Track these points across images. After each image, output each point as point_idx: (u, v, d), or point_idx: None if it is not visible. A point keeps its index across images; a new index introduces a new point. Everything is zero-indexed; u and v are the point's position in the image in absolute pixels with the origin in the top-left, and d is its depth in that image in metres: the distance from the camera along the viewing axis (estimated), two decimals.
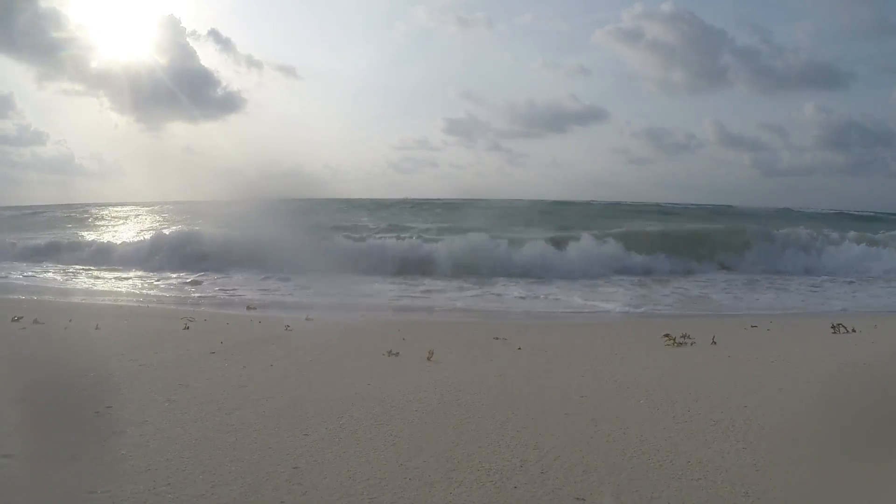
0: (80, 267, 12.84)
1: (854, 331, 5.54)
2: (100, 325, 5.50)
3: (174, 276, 11.51)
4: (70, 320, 5.71)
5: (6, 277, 11.06)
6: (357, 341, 5.33)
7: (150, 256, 13.23)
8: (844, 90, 67.68)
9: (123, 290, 9.98)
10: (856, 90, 65.73)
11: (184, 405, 3.18)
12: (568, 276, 11.52)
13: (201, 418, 2.99)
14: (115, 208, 32.80)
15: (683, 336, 5.10)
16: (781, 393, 3.57)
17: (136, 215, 28.45)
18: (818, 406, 3.40)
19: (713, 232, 15.32)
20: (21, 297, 8.49)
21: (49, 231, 19.84)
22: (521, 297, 9.29)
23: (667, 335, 5.14)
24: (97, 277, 11.46)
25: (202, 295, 9.31)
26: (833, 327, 5.62)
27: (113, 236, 18.34)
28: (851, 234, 15.44)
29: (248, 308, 7.65)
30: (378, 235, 14.98)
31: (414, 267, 12.34)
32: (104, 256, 13.85)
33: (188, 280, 10.98)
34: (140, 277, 11.37)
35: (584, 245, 13.18)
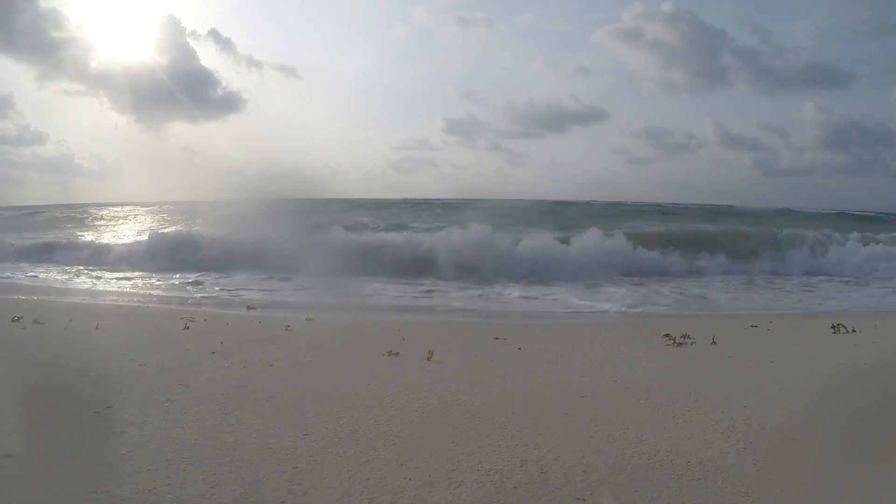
0: (80, 267, 12.85)
1: (854, 331, 5.54)
2: (100, 325, 5.51)
3: (174, 276, 11.51)
4: (70, 320, 5.71)
5: (6, 277, 11.06)
6: (357, 341, 5.33)
7: (150, 256, 13.25)
8: (844, 90, 67.68)
9: (123, 290, 9.99)
10: (856, 90, 65.73)
11: (184, 405, 3.18)
12: (569, 277, 11.49)
13: (201, 418, 2.99)
14: (115, 208, 32.78)
15: (683, 336, 5.10)
16: (781, 393, 3.57)
17: (136, 215, 28.43)
18: (818, 406, 3.40)
19: (718, 233, 15.24)
20: (21, 297, 8.48)
21: (48, 231, 19.83)
22: (522, 297, 9.29)
23: (667, 335, 5.14)
24: (97, 277, 11.46)
25: (202, 295, 9.32)
26: (833, 327, 5.62)
27: (113, 236, 18.36)
28: (855, 234, 15.41)
29: (249, 308, 7.65)
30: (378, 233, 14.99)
31: (414, 264, 12.32)
32: (104, 256, 13.87)
33: (188, 280, 10.98)
34: (140, 277, 11.37)
35: (587, 246, 13.12)
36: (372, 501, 2.16)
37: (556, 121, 74.38)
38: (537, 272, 11.75)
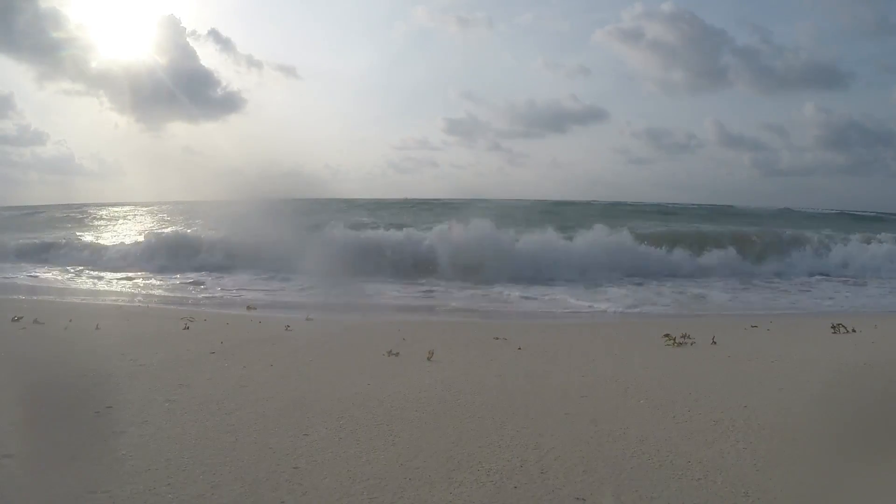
0: (80, 267, 12.85)
1: (854, 331, 5.54)
2: (100, 326, 5.51)
3: (174, 276, 11.52)
4: (70, 320, 5.71)
5: (6, 277, 11.06)
6: (357, 341, 5.33)
7: (150, 256, 13.24)
8: (845, 90, 67.81)
9: (123, 290, 9.99)
10: (856, 90, 65.88)
11: (184, 405, 3.18)
12: (570, 276, 11.45)
13: (201, 418, 2.99)
14: (115, 208, 32.80)
15: (683, 336, 5.10)
16: (781, 393, 3.57)
17: (136, 215, 28.43)
18: (818, 406, 3.39)
19: (720, 234, 15.12)
20: (21, 297, 8.49)
21: (48, 231, 19.83)
22: (522, 297, 9.29)
23: (667, 335, 5.14)
24: (97, 278, 11.46)
25: (202, 295, 9.32)
26: (833, 327, 5.62)
27: (113, 236, 18.34)
28: (857, 234, 15.38)
29: (249, 308, 7.65)
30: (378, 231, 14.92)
31: (414, 262, 12.27)
32: (104, 257, 13.87)
33: (188, 280, 10.98)
34: (140, 277, 11.37)
35: (589, 245, 13.03)
36: (372, 501, 2.16)
37: (556, 121, 74.59)
38: (538, 271, 11.68)
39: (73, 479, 2.25)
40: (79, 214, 28.94)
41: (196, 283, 10.60)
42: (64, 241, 15.82)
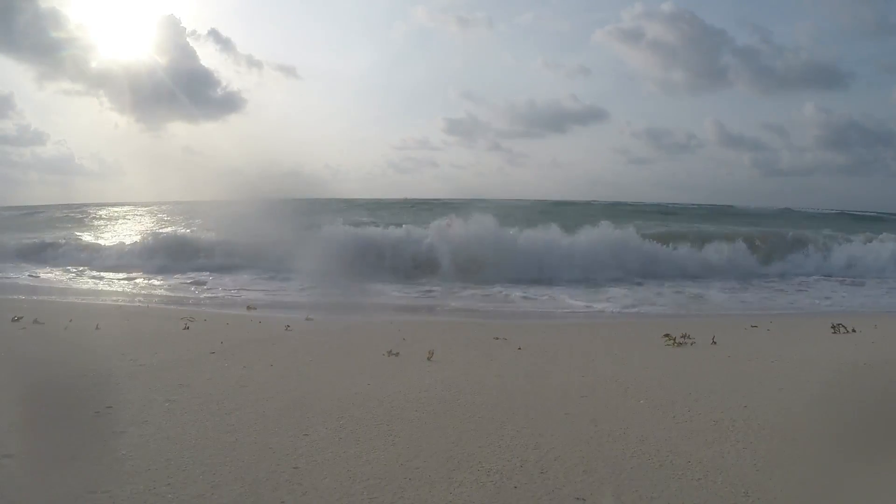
0: (80, 267, 12.83)
1: (854, 331, 5.54)
2: (100, 325, 5.51)
3: (174, 276, 11.51)
4: (70, 320, 5.71)
5: (6, 277, 11.06)
6: (357, 341, 5.33)
7: (150, 256, 13.22)
8: (845, 90, 67.80)
9: (123, 290, 9.99)
10: (856, 90, 65.86)
11: (184, 405, 3.18)
12: (570, 276, 11.40)
13: (201, 418, 2.99)
14: (115, 208, 32.79)
15: (683, 336, 5.10)
16: (781, 393, 3.57)
17: (136, 215, 28.43)
18: (818, 406, 3.39)
19: (723, 234, 15.00)
20: (21, 297, 8.49)
21: (48, 231, 19.82)
22: (522, 297, 9.29)
23: (667, 335, 5.15)
24: (97, 278, 11.46)
25: (202, 295, 9.32)
26: (833, 327, 5.62)
27: (113, 236, 18.33)
28: (860, 235, 15.35)
29: (249, 308, 7.65)
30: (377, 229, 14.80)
31: (414, 260, 12.22)
32: (104, 256, 13.84)
33: (188, 280, 10.98)
34: (140, 277, 11.37)
35: (590, 244, 12.92)
36: (372, 501, 2.16)
37: (556, 121, 74.61)
38: (538, 270, 11.61)
39: (73, 479, 2.25)
40: (79, 214, 28.93)
41: (196, 283, 10.60)
42: (64, 241, 15.81)
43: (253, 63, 72.24)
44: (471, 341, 5.31)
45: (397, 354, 4.49)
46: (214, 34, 72.90)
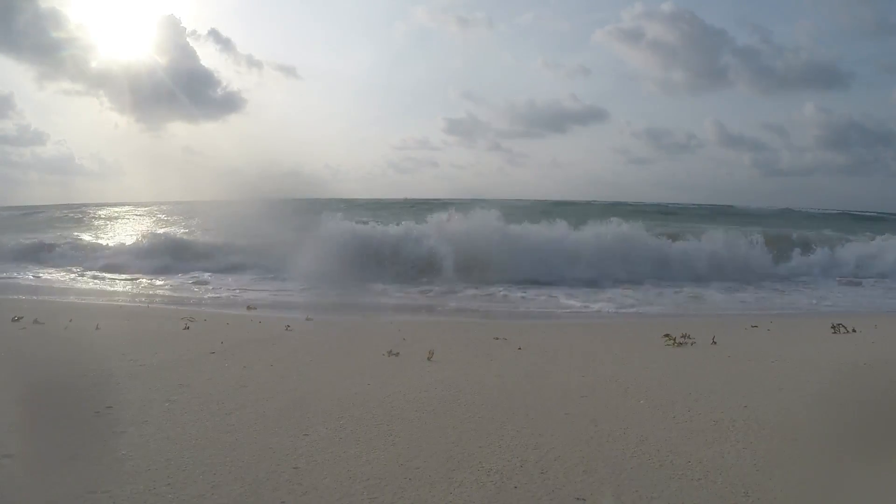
0: (80, 267, 12.82)
1: (854, 331, 5.54)
2: (100, 325, 5.51)
3: (174, 276, 11.51)
4: (70, 320, 5.72)
5: (7, 277, 11.06)
6: (357, 341, 5.34)
7: (151, 256, 13.21)
8: (845, 90, 67.83)
9: (123, 290, 9.99)
10: (856, 90, 65.88)
11: (184, 405, 3.19)
12: (570, 275, 11.33)
13: (201, 418, 2.99)
14: (115, 208, 32.81)
15: (683, 336, 5.10)
16: (781, 393, 3.57)
17: (136, 215, 28.43)
18: (818, 406, 3.39)
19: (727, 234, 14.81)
20: (21, 296, 8.49)
21: (47, 231, 19.83)
22: (522, 297, 9.29)
23: (667, 335, 5.15)
24: (97, 278, 11.46)
25: (202, 295, 9.32)
26: (833, 327, 5.62)
27: (113, 236, 18.33)
28: (864, 235, 15.31)
29: (248, 308, 7.65)
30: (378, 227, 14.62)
31: (413, 257, 12.16)
32: (104, 256, 13.82)
33: (188, 280, 10.98)
34: (140, 277, 11.37)
35: (590, 244, 12.80)
36: (372, 501, 2.16)
37: (556, 121, 74.62)
38: (538, 270, 11.52)
39: (73, 479, 2.25)
40: (79, 214, 28.92)
41: (196, 283, 10.61)
42: (64, 241, 15.81)
43: (253, 63, 72.35)
44: (471, 341, 5.31)
45: (397, 354, 4.49)
46: (214, 34, 73.06)
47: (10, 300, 7.89)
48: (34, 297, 8.37)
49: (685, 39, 68.59)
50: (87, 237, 17.64)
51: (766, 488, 2.28)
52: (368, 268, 11.81)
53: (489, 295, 9.53)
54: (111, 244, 15.32)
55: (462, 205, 13.84)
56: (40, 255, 14.07)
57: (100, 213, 30.05)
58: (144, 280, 11.11)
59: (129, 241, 15.50)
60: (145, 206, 31.90)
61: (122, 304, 8.27)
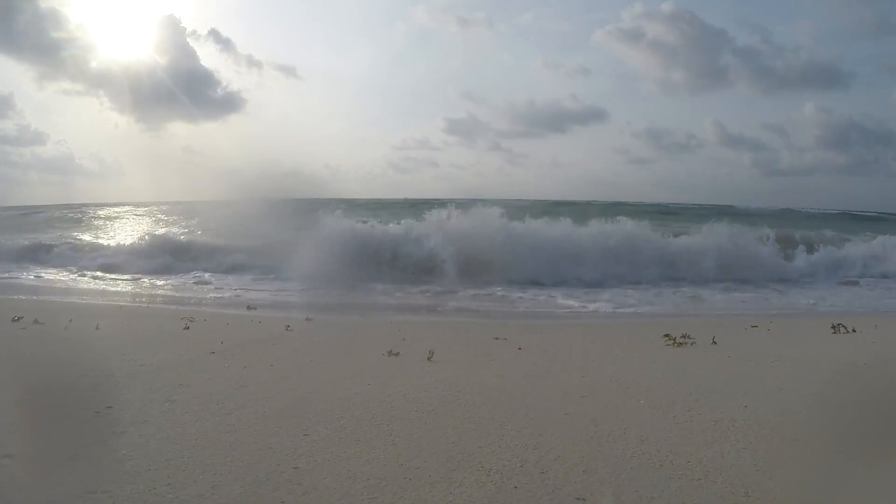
0: (80, 267, 12.81)
1: (854, 331, 5.54)
2: (100, 325, 5.51)
3: (174, 276, 11.52)
4: (70, 320, 5.71)
5: (6, 277, 11.06)
6: (357, 341, 5.34)
7: (151, 256, 13.21)
8: (845, 90, 67.83)
9: (123, 290, 9.99)
10: (856, 90, 65.88)
11: (184, 405, 3.19)
12: (571, 275, 11.28)
13: (201, 418, 2.99)
14: (115, 208, 32.80)
15: (683, 336, 5.10)
16: (781, 393, 3.57)
17: (136, 215, 28.43)
18: (818, 406, 3.39)
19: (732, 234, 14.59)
20: (21, 296, 8.49)
21: (47, 231, 19.83)
22: (522, 297, 9.30)
23: (667, 335, 5.15)
24: (97, 278, 11.46)
25: (202, 295, 9.32)
26: (833, 327, 5.62)
27: (113, 236, 18.34)
28: (867, 234, 15.26)
29: (248, 308, 7.65)
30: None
31: (413, 256, 12.14)
32: (104, 256, 13.82)
33: (188, 280, 10.98)
34: (140, 277, 11.37)
35: (591, 244, 12.67)
36: (372, 501, 2.16)
37: (556, 121, 74.64)
38: (538, 270, 11.43)
39: (73, 479, 2.25)
40: (78, 214, 28.91)
41: (196, 283, 10.61)
42: (64, 241, 15.81)
43: (253, 63, 72.36)
44: (471, 341, 5.31)
45: (397, 354, 4.49)
46: (214, 34, 73.06)
47: (10, 300, 7.89)
48: (34, 297, 8.37)
49: (685, 39, 68.67)
50: (86, 237, 17.64)
51: (766, 488, 2.28)
52: (368, 267, 11.81)
53: (489, 295, 9.53)
54: (111, 244, 15.32)
55: (462, 205, 13.75)
56: (40, 255, 14.06)
57: (100, 213, 30.05)
58: (144, 280, 11.11)
59: (129, 241, 15.51)
60: (145, 206, 31.89)
61: (122, 304, 8.27)
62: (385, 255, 12.43)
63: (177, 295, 9.32)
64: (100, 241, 16.38)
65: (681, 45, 69.34)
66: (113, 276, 11.64)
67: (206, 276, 11.41)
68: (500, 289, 9.93)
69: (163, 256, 13.12)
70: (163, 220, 23.63)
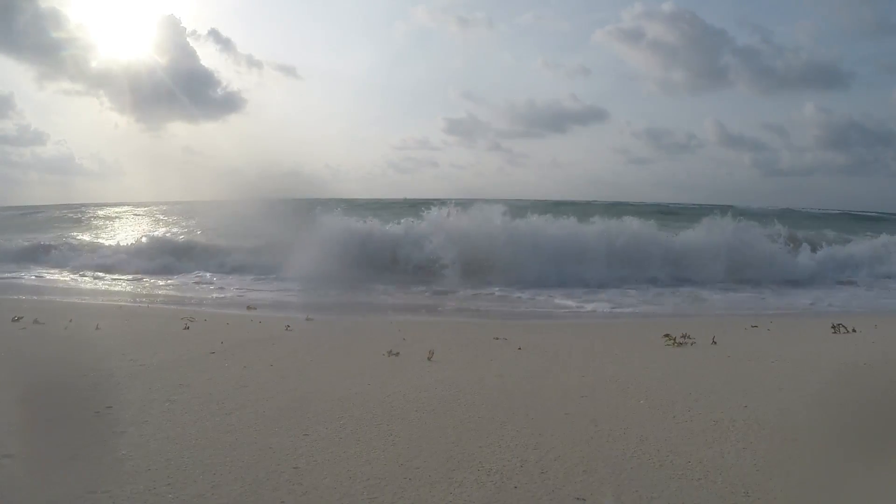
0: (80, 267, 12.80)
1: (854, 331, 5.53)
2: (100, 325, 5.51)
3: (174, 276, 11.52)
4: (70, 320, 5.71)
5: (6, 277, 11.06)
6: (357, 341, 5.33)
7: (151, 256, 13.21)
8: (845, 90, 67.89)
9: (123, 290, 9.99)
10: (856, 90, 65.96)
11: (184, 405, 3.19)
12: (572, 275, 11.24)
13: (201, 418, 2.99)
14: (115, 208, 32.79)
15: (683, 336, 5.10)
16: (781, 393, 3.57)
17: (136, 215, 28.42)
18: (818, 406, 3.39)
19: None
20: (21, 296, 8.49)
21: (47, 231, 19.83)
22: (522, 297, 9.29)
23: (667, 335, 5.15)
24: (97, 278, 11.46)
25: (202, 295, 9.32)
26: (833, 327, 5.62)
27: (113, 236, 18.33)
28: (869, 234, 15.24)
29: (248, 308, 7.65)
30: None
31: (415, 256, 12.10)
32: (104, 256, 13.82)
33: (188, 280, 10.98)
34: (140, 278, 11.37)
35: (592, 243, 12.51)
36: (372, 501, 2.16)
37: (556, 121, 74.70)
38: (538, 269, 11.38)
39: (73, 479, 2.25)
40: (78, 214, 28.91)
41: (196, 283, 10.61)
42: (63, 241, 15.81)
43: (253, 63, 72.43)
44: (471, 341, 5.31)
45: (397, 354, 4.49)
46: (214, 34, 73.15)
47: (11, 300, 7.89)
48: (34, 297, 8.36)
49: (685, 39, 68.73)
50: (86, 237, 17.65)
51: (766, 488, 2.28)
52: (368, 267, 11.80)
53: (489, 295, 9.53)
54: (111, 244, 15.32)
55: (462, 205, 13.71)
56: (40, 255, 14.06)
57: (99, 213, 30.05)
58: (144, 280, 11.10)
59: (128, 241, 15.51)
60: (145, 206, 31.88)
61: (122, 304, 8.26)
62: (385, 255, 12.41)
63: (177, 295, 9.32)
64: (100, 241, 16.39)
65: (681, 45, 69.46)
66: (113, 275, 11.63)
67: (206, 276, 11.41)
68: (499, 289, 9.93)
69: (163, 256, 13.13)
70: (163, 220, 23.62)
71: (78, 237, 17.47)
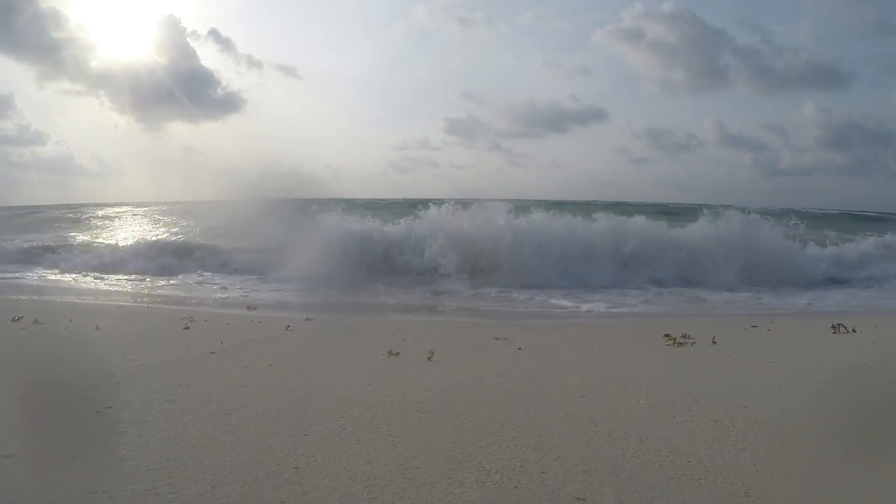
0: (80, 267, 12.80)
1: (854, 331, 5.53)
2: (100, 325, 5.51)
3: (174, 276, 11.52)
4: (70, 320, 5.71)
5: (6, 277, 11.05)
6: (357, 341, 5.34)
7: (151, 256, 13.21)
8: (845, 90, 67.91)
9: (124, 290, 9.99)
10: (856, 90, 65.98)
11: (184, 405, 3.18)
12: (572, 275, 11.19)
13: (201, 418, 2.99)
14: (115, 208, 32.78)
15: (683, 336, 5.10)
16: (781, 393, 3.57)
17: (136, 215, 28.41)
18: (818, 406, 3.39)
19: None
20: (21, 296, 8.49)
21: (47, 231, 19.84)
22: (521, 298, 9.29)
23: (667, 335, 5.14)
24: (97, 278, 11.46)
25: (202, 295, 9.32)
26: (833, 327, 5.62)
27: (113, 236, 18.33)
28: (869, 234, 15.21)
29: (248, 308, 7.65)
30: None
31: (415, 256, 12.07)
32: (104, 256, 13.82)
33: (188, 280, 10.98)
34: (140, 278, 11.37)
35: (590, 248, 12.40)
36: (372, 501, 2.16)
37: (556, 121, 74.70)
38: (538, 270, 11.33)
39: (73, 479, 2.25)
40: (78, 215, 28.91)
41: (196, 284, 10.61)
42: (63, 241, 15.82)
43: (253, 63, 72.44)
44: (471, 341, 5.31)
45: (397, 354, 4.49)
46: (214, 34, 73.12)
47: (11, 300, 7.89)
48: (34, 297, 8.36)
49: (685, 39, 68.75)
50: (86, 237, 17.65)
51: (766, 488, 2.28)
52: (368, 267, 11.80)
53: (489, 295, 9.53)
54: (111, 244, 15.31)
55: (462, 205, 13.68)
56: (40, 255, 14.06)
57: (99, 213, 30.04)
58: (144, 280, 11.10)
59: (128, 241, 15.50)
60: (145, 207, 31.87)
61: (122, 304, 8.26)
62: (385, 255, 12.38)
63: (177, 295, 9.32)
64: (99, 241, 16.38)
65: (681, 45, 69.48)
66: (113, 275, 11.63)
67: (206, 275, 11.41)
68: (499, 289, 9.93)
69: (162, 256, 13.13)
70: (162, 220, 23.61)
71: (78, 237, 17.47)
